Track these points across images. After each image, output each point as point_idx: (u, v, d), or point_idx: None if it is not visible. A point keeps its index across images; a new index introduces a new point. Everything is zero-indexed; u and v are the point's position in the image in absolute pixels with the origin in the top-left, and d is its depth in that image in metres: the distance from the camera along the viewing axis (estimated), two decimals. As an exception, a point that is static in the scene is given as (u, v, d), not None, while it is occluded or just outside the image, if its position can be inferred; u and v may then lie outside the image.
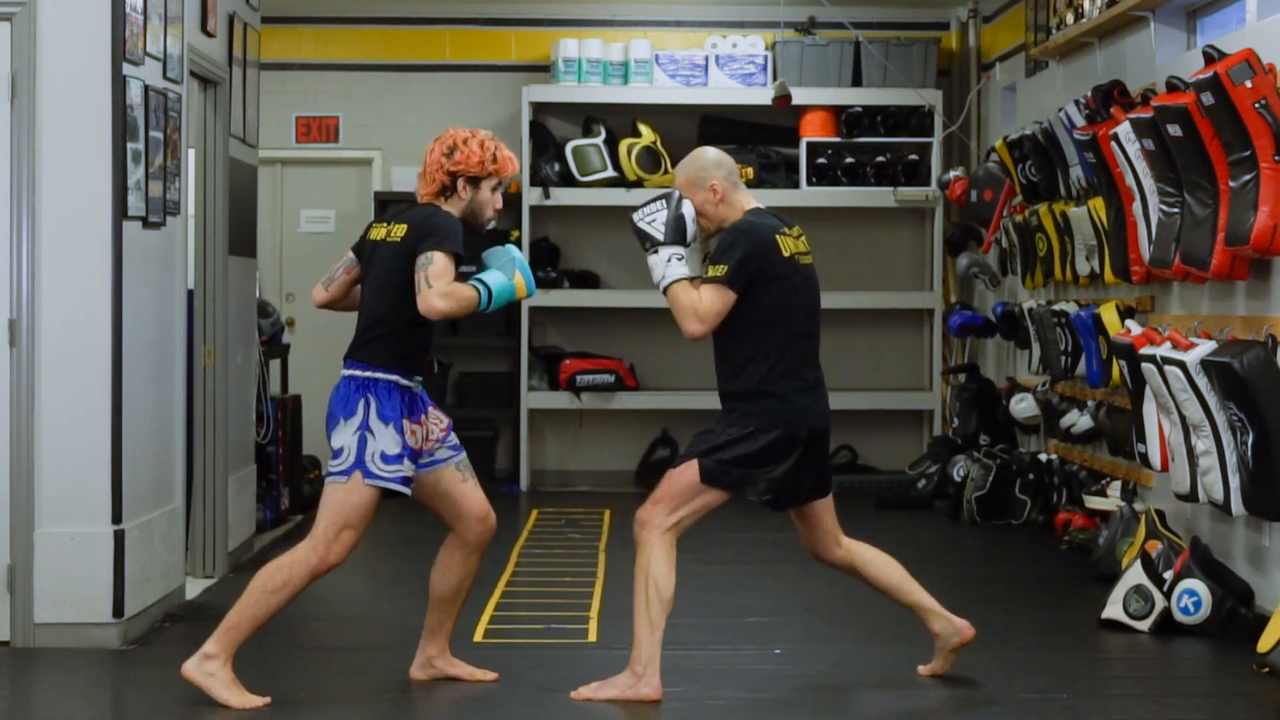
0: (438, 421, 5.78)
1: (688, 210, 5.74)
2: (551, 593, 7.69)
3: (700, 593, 7.71)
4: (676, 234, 5.71)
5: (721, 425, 5.69)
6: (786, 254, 5.66)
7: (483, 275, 5.66)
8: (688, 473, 5.66)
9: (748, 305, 5.63)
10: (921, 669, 6.04)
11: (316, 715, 5.63)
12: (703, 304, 5.60)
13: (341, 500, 5.58)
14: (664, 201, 5.76)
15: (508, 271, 5.70)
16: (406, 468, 5.61)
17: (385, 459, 5.56)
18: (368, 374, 5.60)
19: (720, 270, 5.60)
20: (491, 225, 5.85)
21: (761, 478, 5.64)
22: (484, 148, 5.72)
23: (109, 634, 6.50)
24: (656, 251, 5.71)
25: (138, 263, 6.73)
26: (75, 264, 6.47)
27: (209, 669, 5.61)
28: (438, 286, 5.48)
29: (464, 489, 5.81)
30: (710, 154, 5.83)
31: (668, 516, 5.66)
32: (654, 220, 5.74)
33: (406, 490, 5.63)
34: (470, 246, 5.72)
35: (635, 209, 5.81)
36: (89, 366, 6.48)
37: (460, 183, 5.72)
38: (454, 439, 5.83)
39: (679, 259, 5.69)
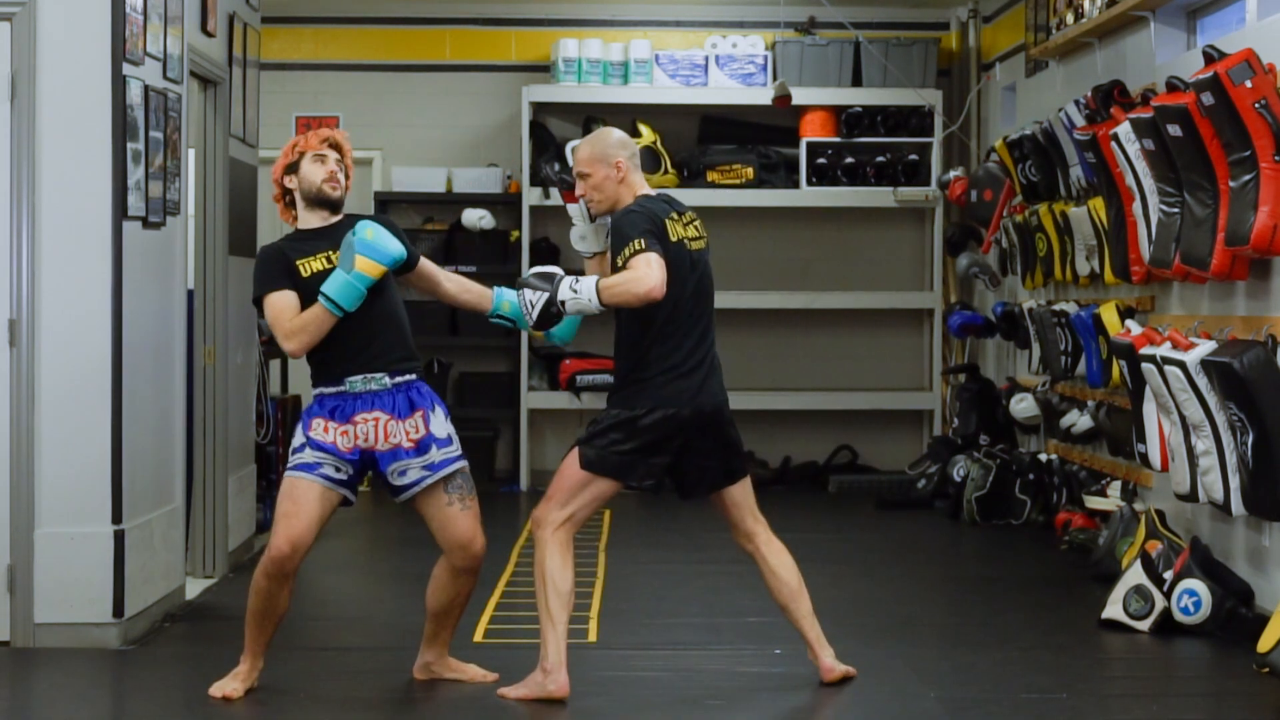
0: (412, 430, 5.70)
1: (542, 275, 5.62)
2: (551, 593, 7.67)
3: (700, 593, 7.72)
4: (546, 279, 5.56)
5: (606, 410, 5.70)
6: (674, 239, 5.65)
7: (325, 284, 5.65)
8: (572, 463, 5.67)
9: None
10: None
11: (316, 715, 5.63)
12: (639, 270, 5.46)
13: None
14: (523, 290, 5.58)
15: (345, 263, 5.63)
16: (307, 456, 5.68)
17: (293, 450, 5.75)
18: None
19: (635, 245, 5.50)
20: (336, 194, 5.84)
21: (641, 463, 5.64)
22: (288, 147, 5.91)
23: (109, 634, 6.50)
24: (563, 303, 5.53)
25: (138, 263, 6.73)
26: (75, 264, 6.46)
27: (235, 670, 5.80)
28: (280, 332, 5.70)
29: (447, 514, 5.75)
30: (615, 134, 5.84)
31: (560, 511, 5.68)
32: (535, 299, 5.56)
33: (302, 475, 5.66)
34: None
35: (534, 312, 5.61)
36: (89, 366, 6.48)
37: (288, 179, 5.88)
38: (435, 458, 5.71)
39: (573, 283, 5.53)
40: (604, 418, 5.68)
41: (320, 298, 5.63)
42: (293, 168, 5.86)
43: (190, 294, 7.81)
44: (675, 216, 5.72)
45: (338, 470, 5.68)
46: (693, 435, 5.69)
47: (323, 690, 5.93)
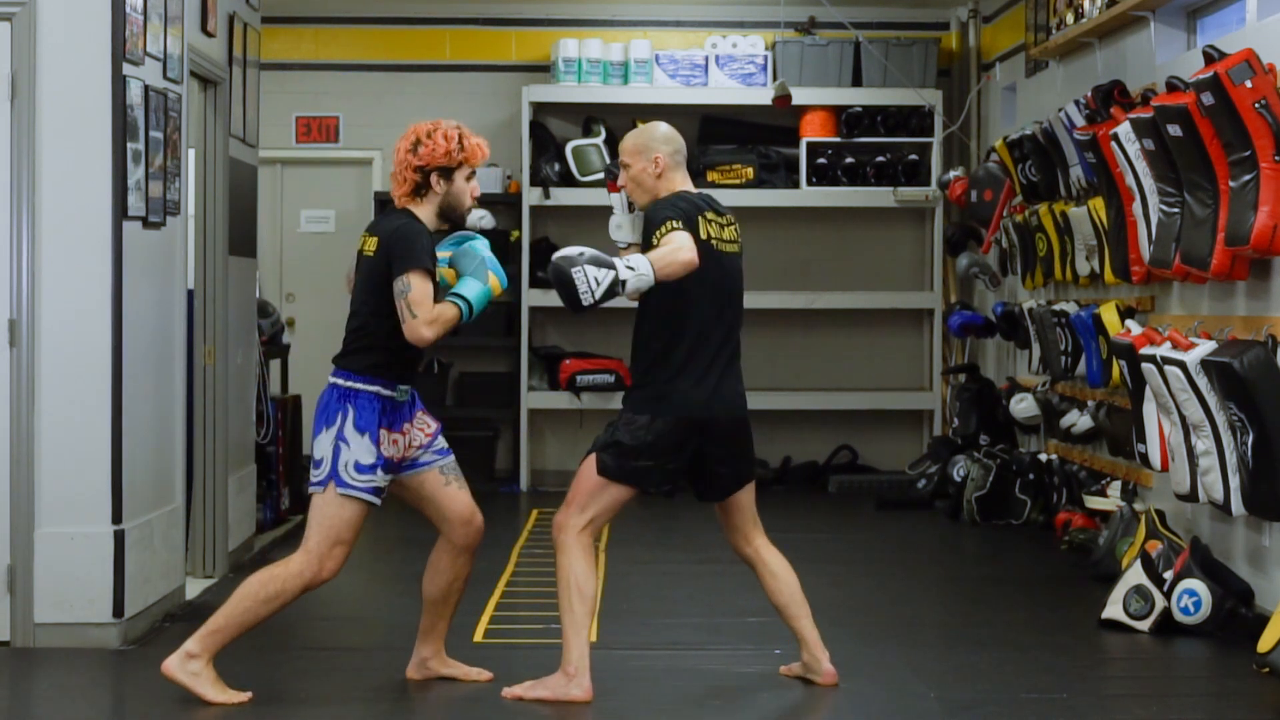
0: (424, 427, 5.75)
1: (608, 252, 5.59)
2: (551, 593, 7.63)
3: (700, 593, 7.72)
4: (599, 261, 5.42)
5: (620, 413, 5.69)
6: (703, 236, 5.64)
7: (460, 289, 5.61)
8: (589, 469, 5.66)
9: (657, 289, 5.51)
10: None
11: (315, 715, 5.63)
12: (675, 242, 5.45)
13: (333, 515, 5.58)
14: (584, 268, 5.41)
15: (481, 276, 5.64)
16: (379, 479, 5.60)
17: (359, 469, 5.57)
18: (350, 384, 5.59)
19: (669, 226, 5.51)
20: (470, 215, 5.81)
21: (656, 470, 5.63)
22: (449, 138, 5.65)
23: (109, 634, 6.50)
24: (624, 281, 5.39)
25: (138, 263, 6.73)
26: (75, 264, 6.46)
27: (193, 668, 5.63)
28: (421, 315, 5.49)
29: (447, 492, 5.78)
30: (662, 129, 5.84)
31: (580, 516, 5.66)
32: (601, 278, 5.39)
33: (376, 500, 5.61)
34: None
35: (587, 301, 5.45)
36: (89, 366, 6.48)
37: (433, 177, 5.68)
38: (441, 442, 5.81)
39: (627, 262, 5.43)
40: (619, 421, 5.67)
41: (459, 301, 5.56)
42: (447, 173, 5.67)
43: (190, 294, 7.81)
44: (710, 216, 5.72)
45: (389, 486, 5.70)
46: (707, 442, 5.68)
47: (321, 690, 5.93)
